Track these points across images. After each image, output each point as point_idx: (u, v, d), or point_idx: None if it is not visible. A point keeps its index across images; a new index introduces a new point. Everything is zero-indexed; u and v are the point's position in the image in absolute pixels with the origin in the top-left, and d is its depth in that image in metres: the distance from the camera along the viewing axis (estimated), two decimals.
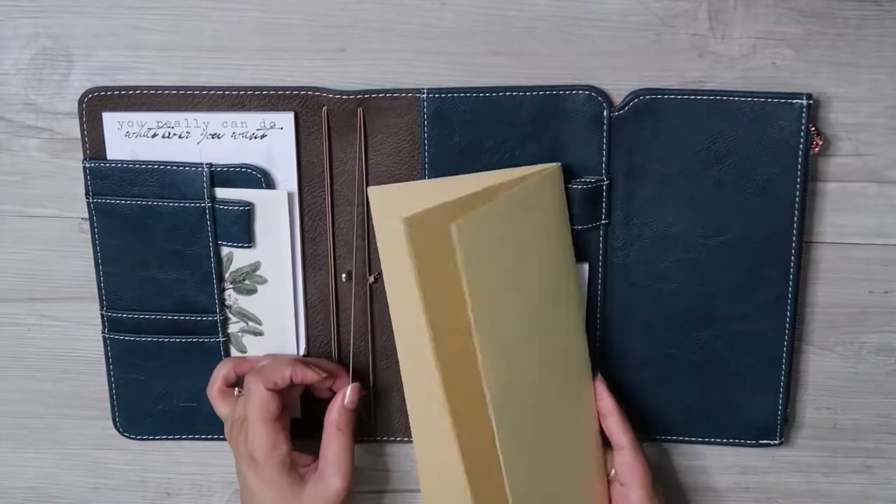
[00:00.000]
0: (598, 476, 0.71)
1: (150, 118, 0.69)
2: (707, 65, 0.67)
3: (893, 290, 0.72)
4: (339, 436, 0.69)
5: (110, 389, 0.75)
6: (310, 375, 0.69)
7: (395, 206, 0.63)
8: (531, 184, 0.65)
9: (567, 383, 0.68)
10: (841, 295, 0.72)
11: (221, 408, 0.71)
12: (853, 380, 0.74)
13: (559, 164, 0.67)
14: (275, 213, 0.70)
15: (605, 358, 0.72)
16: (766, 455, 0.75)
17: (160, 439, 0.76)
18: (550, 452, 0.67)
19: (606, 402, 0.70)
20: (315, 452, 0.70)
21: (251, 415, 0.68)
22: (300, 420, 0.74)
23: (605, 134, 0.68)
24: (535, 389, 0.65)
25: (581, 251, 0.70)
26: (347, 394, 0.70)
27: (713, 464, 0.76)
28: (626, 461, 0.69)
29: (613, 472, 0.70)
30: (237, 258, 0.71)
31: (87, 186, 0.70)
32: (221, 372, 0.71)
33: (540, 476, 0.66)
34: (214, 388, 0.71)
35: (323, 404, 0.71)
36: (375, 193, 0.65)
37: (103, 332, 0.73)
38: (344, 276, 0.72)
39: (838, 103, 0.68)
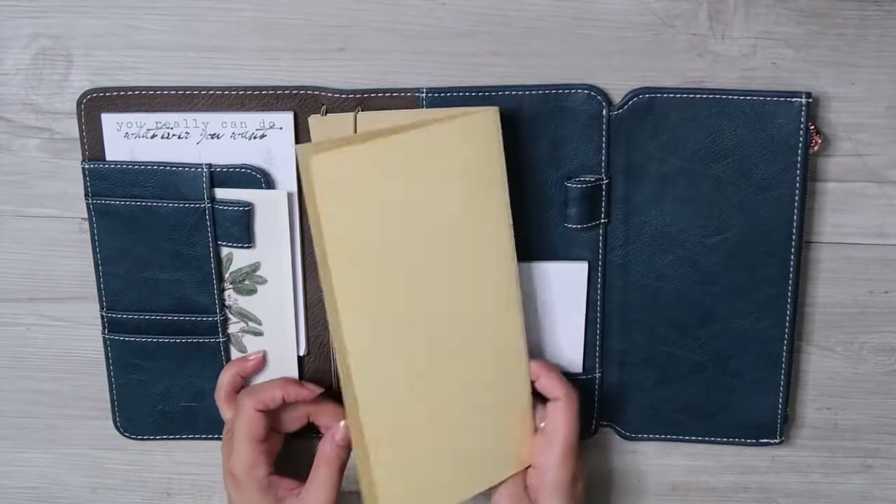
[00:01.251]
0: (519, 435, 0.69)
1: (149, 119, 0.68)
2: (707, 65, 0.67)
3: (893, 291, 0.72)
4: (326, 469, 0.68)
5: (110, 390, 0.75)
6: (303, 394, 0.69)
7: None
8: (447, 127, 0.63)
9: (482, 340, 0.66)
10: (841, 295, 0.72)
11: (227, 413, 0.71)
12: (853, 380, 0.74)
13: (497, 108, 0.65)
14: (274, 214, 0.70)
15: (604, 357, 0.72)
16: (766, 455, 0.75)
17: (160, 439, 0.76)
18: (440, 410, 0.66)
19: (534, 369, 0.68)
20: (307, 458, 0.70)
21: (237, 432, 0.68)
22: None
23: (604, 133, 0.68)
24: (420, 346, 0.64)
25: (580, 250, 0.70)
26: (340, 430, 0.69)
27: (713, 464, 0.76)
28: (558, 411, 0.67)
29: (543, 424, 0.69)
30: (237, 258, 0.71)
31: (86, 187, 0.70)
32: (226, 377, 0.72)
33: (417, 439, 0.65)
34: (221, 393, 0.72)
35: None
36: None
37: (103, 333, 0.73)
38: None
39: (838, 103, 0.68)
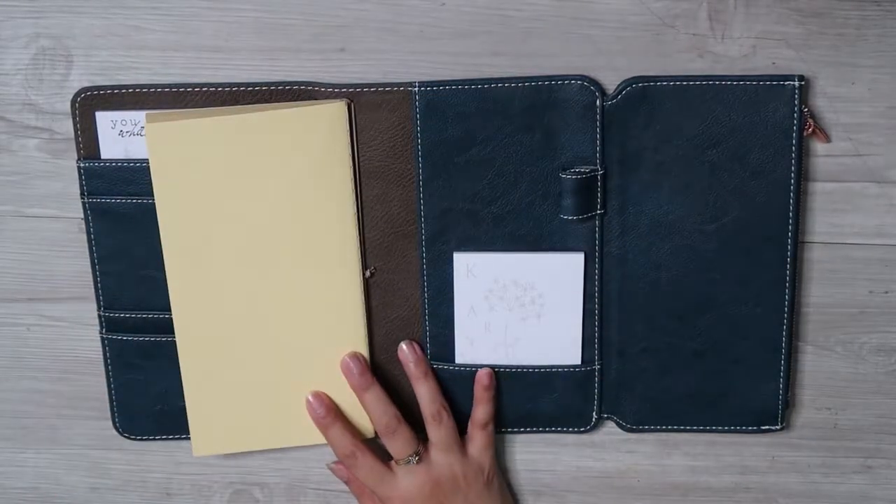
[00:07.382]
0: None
1: (143, 116, 0.68)
2: (707, 65, 0.67)
3: (893, 291, 0.72)
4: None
5: (109, 389, 0.75)
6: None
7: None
8: (291, 114, 0.66)
9: (317, 317, 0.71)
10: (841, 295, 0.72)
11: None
12: (853, 380, 0.74)
13: (345, 101, 0.67)
14: None
15: (603, 348, 0.72)
16: (766, 455, 0.75)
17: (160, 439, 0.76)
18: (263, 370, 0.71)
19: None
20: None
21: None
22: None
23: (598, 123, 0.68)
24: (246, 307, 0.70)
25: (577, 241, 0.70)
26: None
27: (713, 464, 0.76)
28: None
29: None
30: None
31: (81, 186, 0.70)
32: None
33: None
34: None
35: None
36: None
37: (101, 333, 0.73)
38: None
39: (838, 103, 0.68)
